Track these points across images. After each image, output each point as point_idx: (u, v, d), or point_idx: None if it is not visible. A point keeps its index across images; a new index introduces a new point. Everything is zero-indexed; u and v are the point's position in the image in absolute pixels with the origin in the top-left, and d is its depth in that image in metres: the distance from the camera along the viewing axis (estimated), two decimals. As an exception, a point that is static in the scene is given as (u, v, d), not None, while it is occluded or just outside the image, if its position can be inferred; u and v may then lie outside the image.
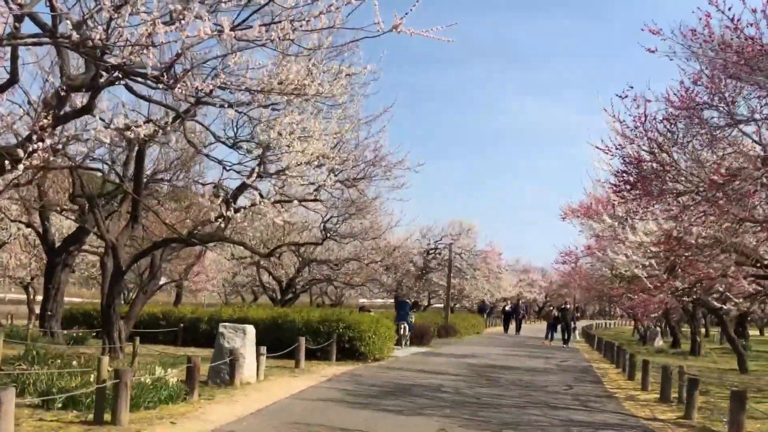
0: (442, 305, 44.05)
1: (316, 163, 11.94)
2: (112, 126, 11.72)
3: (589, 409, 12.03)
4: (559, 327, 35.03)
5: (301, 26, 7.61)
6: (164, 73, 8.20)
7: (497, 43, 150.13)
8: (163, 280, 35.58)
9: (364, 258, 33.46)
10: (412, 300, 42.16)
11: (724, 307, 18.35)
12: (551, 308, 47.98)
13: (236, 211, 13.33)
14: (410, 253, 39.64)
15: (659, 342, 40.48)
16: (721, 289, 17.18)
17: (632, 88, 11.07)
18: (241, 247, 31.17)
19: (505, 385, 14.68)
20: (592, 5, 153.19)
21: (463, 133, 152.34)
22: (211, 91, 9.21)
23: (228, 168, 13.59)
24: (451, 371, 16.95)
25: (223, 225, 16.12)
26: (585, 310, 75.89)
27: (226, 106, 10.18)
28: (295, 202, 15.20)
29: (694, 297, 19.08)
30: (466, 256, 42.16)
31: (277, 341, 17.94)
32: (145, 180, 21.10)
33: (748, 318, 38.31)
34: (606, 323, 74.01)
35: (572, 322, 35.29)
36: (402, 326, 24.56)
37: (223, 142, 11.28)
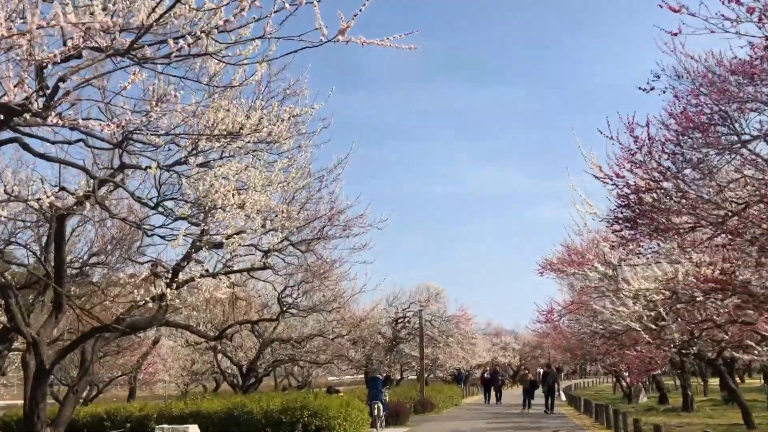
0: (415, 377, 41.57)
1: (260, 222, 10.03)
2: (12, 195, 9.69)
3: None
4: (536, 392, 32.70)
5: (219, 31, 5.80)
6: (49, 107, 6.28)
7: (447, 113, 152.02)
8: (114, 374, 32.84)
9: (328, 333, 31.20)
10: (384, 375, 39.73)
11: (735, 355, 16.55)
12: (526, 371, 45.64)
13: (171, 287, 11.27)
14: (378, 324, 37.42)
15: (644, 398, 38.60)
16: (726, 336, 15.45)
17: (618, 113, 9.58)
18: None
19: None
20: (533, 75, 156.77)
21: (422, 201, 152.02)
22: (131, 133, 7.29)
23: (166, 238, 11.61)
24: (437, 456, 14.74)
25: (163, 307, 14.02)
26: (562, 370, 73.88)
27: (152, 157, 8.25)
28: (240, 274, 13.16)
29: (694, 348, 17.31)
30: (437, 322, 40.08)
31: (234, 437, 15.68)
32: (79, 263, 19.02)
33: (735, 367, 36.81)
34: (584, 382, 72.03)
35: (555, 386, 32.57)
36: (376, 406, 22.22)
37: (144, 203, 9.33)
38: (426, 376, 41.47)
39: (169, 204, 8.97)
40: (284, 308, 20.02)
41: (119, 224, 16.50)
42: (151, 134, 7.99)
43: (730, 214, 8.60)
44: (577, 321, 27.28)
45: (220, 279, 10.75)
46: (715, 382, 47.76)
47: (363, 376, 37.12)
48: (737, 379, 42.17)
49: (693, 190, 8.58)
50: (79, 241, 19.51)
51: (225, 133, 8.00)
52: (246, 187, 8.84)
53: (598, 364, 39.80)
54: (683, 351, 17.40)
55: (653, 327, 14.71)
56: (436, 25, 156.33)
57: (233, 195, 8.39)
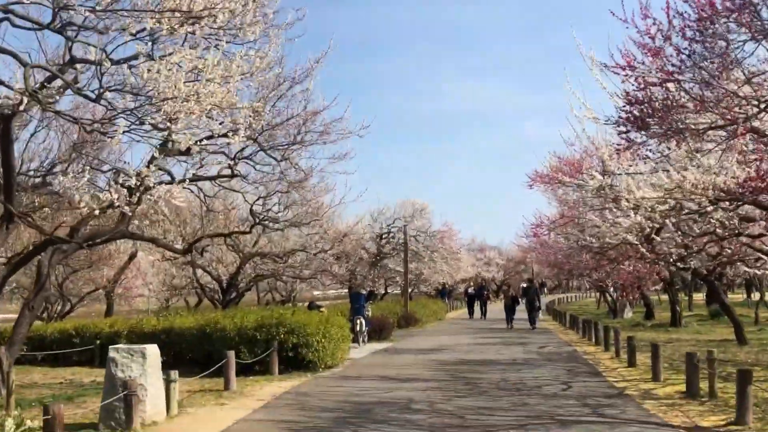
0: (399, 292, 41.09)
1: (222, 121, 8.80)
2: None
3: (608, 419, 9.18)
4: (518, 308, 31.76)
5: None
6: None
7: (432, 27, 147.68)
8: (89, 288, 31.99)
9: (311, 248, 30.32)
10: (368, 289, 39.18)
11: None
12: (507, 287, 45.27)
13: (131, 196, 10.13)
14: (362, 240, 36.57)
15: (629, 313, 38.44)
16: (728, 250, 14.59)
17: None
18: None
19: (490, 391, 11.77)
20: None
21: (406, 118, 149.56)
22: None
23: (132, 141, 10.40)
24: (421, 375, 13.99)
25: (126, 218, 12.90)
26: (546, 285, 74.16)
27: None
28: (213, 185, 11.99)
29: (691, 263, 16.48)
30: (421, 237, 39.29)
31: (207, 355, 14.79)
32: (34, 172, 17.76)
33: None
34: (567, 297, 72.45)
35: (537, 301, 31.40)
36: (358, 321, 21.56)
37: (84, 95, 8.04)
38: (410, 290, 41.03)
39: (114, 96, 7.69)
40: (257, 220, 18.86)
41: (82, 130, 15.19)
42: (87, 9, 6.62)
43: (757, 109, 7.45)
44: (566, 235, 26.42)
45: (176, 185, 9.55)
46: (699, 297, 47.92)
47: (347, 291, 36.52)
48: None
49: (716, 82, 7.38)
50: (41, 147, 18.27)
51: (174, 10, 6.68)
52: (200, 78, 7.58)
53: (584, 279, 39.30)
54: (679, 266, 16.56)
55: (655, 239, 13.77)
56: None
57: (183, 84, 7.13)
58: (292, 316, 14.91)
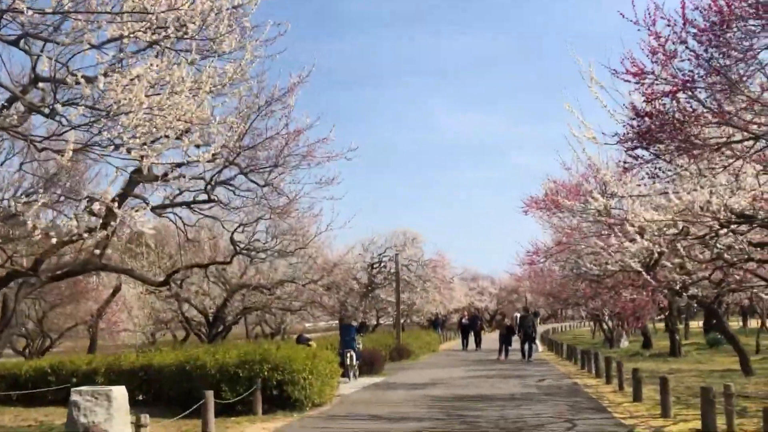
0: (392, 323, 40.13)
1: (195, 143, 8.05)
2: None
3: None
4: (513, 338, 30.52)
5: None
6: None
7: (426, 61, 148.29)
8: (71, 323, 30.94)
9: (300, 279, 29.49)
10: (359, 321, 38.21)
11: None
12: (502, 316, 44.16)
13: (106, 226, 9.35)
14: (352, 270, 35.77)
15: (625, 343, 37.62)
16: (736, 277, 13.86)
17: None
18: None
19: (490, 431, 10.91)
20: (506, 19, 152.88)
21: (396, 149, 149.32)
22: None
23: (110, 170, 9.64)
24: (414, 413, 13.10)
25: (99, 251, 12.09)
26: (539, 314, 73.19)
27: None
28: (193, 213, 11.19)
29: (697, 291, 15.75)
30: (414, 267, 38.53)
31: (187, 394, 13.84)
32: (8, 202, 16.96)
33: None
34: (561, 327, 71.54)
35: (533, 332, 29.97)
36: (348, 355, 20.64)
37: (38, 110, 7.26)
38: (402, 321, 40.10)
39: (69, 110, 6.94)
40: (238, 249, 17.97)
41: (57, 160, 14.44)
42: (35, 11, 5.89)
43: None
44: (562, 263, 25.69)
45: (136, 210, 8.74)
46: (694, 324, 47.12)
47: (338, 322, 35.61)
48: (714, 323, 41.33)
49: (739, 89, 6.70)
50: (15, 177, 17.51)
51: (133, 11, 5.96)
52: (171, 91, 6.85)
53: (580, 308, 38.44)
54: (683, 294, 15.82)
55: (660, 265, 13.03)
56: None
57: (145, 96, 6.39)
58: (277, 351, 14.00)
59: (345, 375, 19.63)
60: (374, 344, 26.60)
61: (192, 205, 12.46)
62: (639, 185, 10.06)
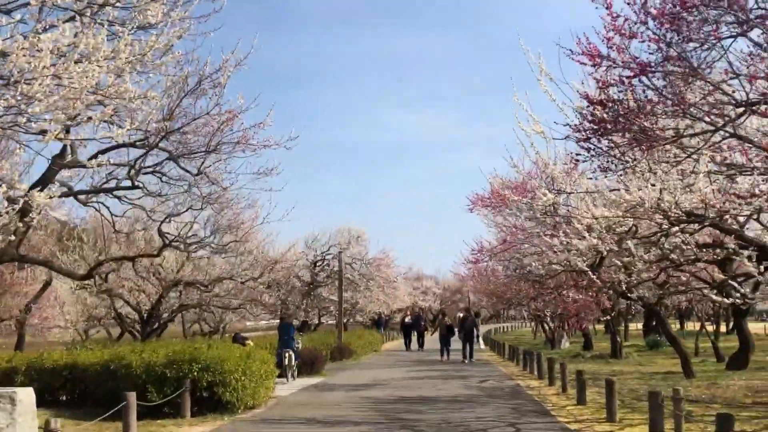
0: (334, 322, 39.44)
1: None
2: None
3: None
4: (453, 339, 29.99)
5: None
6: None
7: (373, 57, 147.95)
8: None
9: (239, 276, 28.54)
10: (301, 320, 37.43)
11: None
12: (442, 315, 43.79)
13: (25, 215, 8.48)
14: (294, 267, 34.91)
15: (566, 344, 37.74)
16: (684, 278, 13.66)
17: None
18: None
19: (430, 436, 10.39)
20: (457, 19, 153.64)
21: (340, 146, 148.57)
22: None
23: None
24: (352, 416, 12.49)
25: (14, 240, 11.13)
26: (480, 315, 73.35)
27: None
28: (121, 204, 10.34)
29: (644, 292, 15.55)
30: (357, 265, 37.93)
31: (112, 394, 12.91)
32: None
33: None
34: (502, 327, 71.97)
35: (476, 332, 29.56)
36: (287, 355, 19.92)
37: None
38: (345, 321, 39.48)
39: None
40: (166, 242, 17.00)
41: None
42: None
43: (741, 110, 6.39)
44: (506, 262, 25.44)
45: (49, 194, 7.92)
46: (633, 327, 47.77)
47: (280, 321, 34.73)
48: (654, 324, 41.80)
49: (700, 74, 6.30)
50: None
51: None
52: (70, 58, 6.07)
53: (522, 309, 38.37)
54: (627, 295, 15.62)
55: (604, 265, 12.72)
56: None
57: (48, 61, 5.61)
58: (208, 351, 13.23)
59: (283, 376, 18.94)
60: (315, 344, 25.92)
61: (117, 192, 11.56)
62: (590, 179, 9.67)
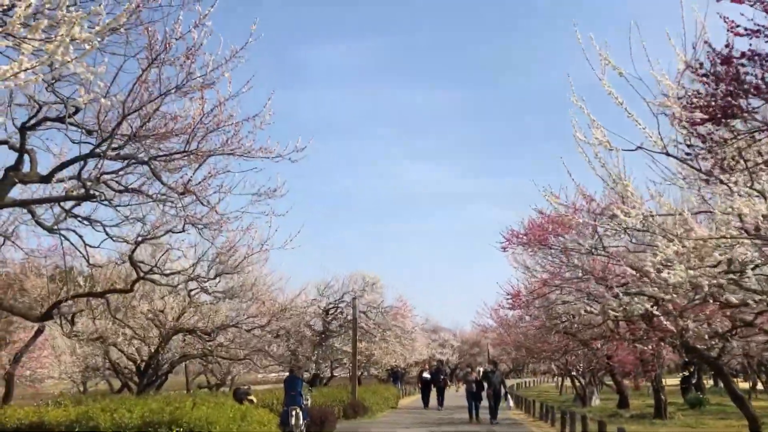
0: (347, 375, 36.66)
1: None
2: None
3: None
4: (483, 395, 26.57)
5: None
6: None
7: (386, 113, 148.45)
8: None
9: (245, 323, 26.20)
10: (312, 373, 34.82)
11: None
12: (468, 370, 40.71)
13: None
14: (305, 315, 32.46)
15: (597, 401, 34.90)
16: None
17: None
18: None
19: None
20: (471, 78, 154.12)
21: (355, 197, 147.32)
22: None
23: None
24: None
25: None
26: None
27: None
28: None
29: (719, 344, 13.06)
30: (373, 314, 35.35)
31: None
32: None
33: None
34: (525, 382, 68.80)
35: (502, 388, 26.18)
36: (293, 413, 17.47)
37: None
38: (360, 374, 36.78)
39: None
40: (141, 274, 14.54)
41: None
42: None
43: None
44: (537, 310, 22.90)
45: None
46: (672, 382, 44.49)
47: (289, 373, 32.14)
48: (704, 382, 38.49)
49: None
50: None
51: None
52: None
53: (550, 362, 35.37)
54: (695, 347, 13.11)
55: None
56: (383, 24, 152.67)
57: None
58: (192, 411, 10.87)
59: (288, 437, 16.51)
60: (326, 399, 23.47)
61: (82, 217, 9.35)
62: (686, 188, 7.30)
